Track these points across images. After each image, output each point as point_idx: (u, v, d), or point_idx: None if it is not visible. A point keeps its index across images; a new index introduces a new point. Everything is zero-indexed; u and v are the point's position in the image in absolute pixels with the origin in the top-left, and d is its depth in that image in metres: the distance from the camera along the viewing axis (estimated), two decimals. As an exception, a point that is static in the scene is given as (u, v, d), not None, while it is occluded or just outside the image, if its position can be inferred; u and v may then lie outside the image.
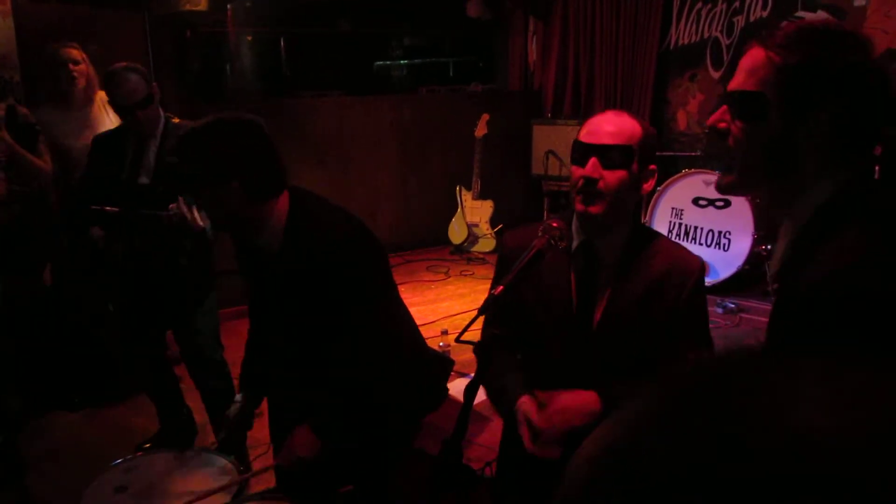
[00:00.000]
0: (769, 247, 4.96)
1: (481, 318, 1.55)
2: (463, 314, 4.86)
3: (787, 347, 0.90)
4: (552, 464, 1.74)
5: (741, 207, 4.94)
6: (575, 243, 1.77)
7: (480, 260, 6.28)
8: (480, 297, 5.23)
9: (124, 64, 2.95)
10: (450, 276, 5.86)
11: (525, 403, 1.69)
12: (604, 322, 1.73)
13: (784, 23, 1.15)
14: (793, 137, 1.10)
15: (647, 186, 1.75)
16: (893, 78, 1.11)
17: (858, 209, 1.06)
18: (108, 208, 2.79)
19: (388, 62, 8.46)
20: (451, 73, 8.37)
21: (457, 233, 6.53)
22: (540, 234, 1.52)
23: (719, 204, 5.05)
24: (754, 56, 1.13)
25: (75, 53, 3.61)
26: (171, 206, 2.69)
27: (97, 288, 3.65)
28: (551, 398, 1.65)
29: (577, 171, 1.69)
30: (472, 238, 6.48)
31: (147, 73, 2.97)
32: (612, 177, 1.65)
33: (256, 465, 2.87)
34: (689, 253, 1.80)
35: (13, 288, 3.35)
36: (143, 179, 2.96)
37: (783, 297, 1.09)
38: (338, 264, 1.83)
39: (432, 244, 6.58)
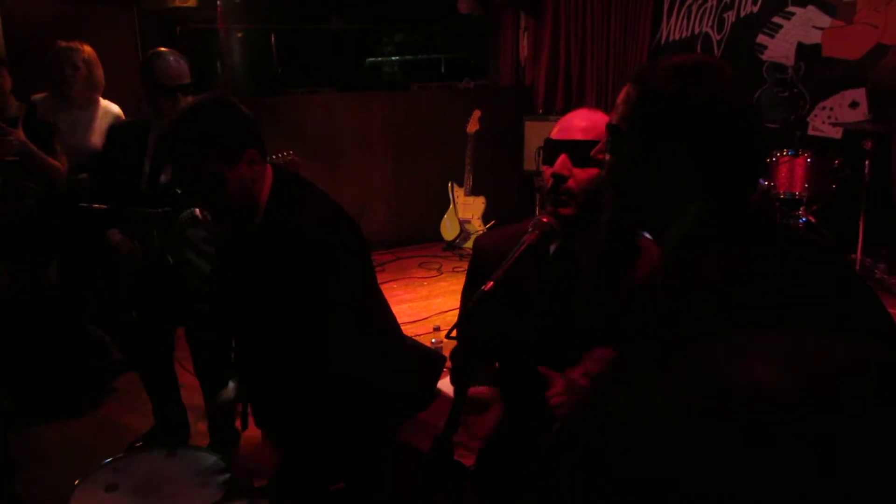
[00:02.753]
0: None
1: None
2: (455, 310, 4.85)
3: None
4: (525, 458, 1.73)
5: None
6: (552, 247, 1.67)
7: (473, 256, 6.26)
8: (473, 294, 5.25)
9: (168, 49, 2.92)
10: (442, 273, 5.85)
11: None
12: (584, 331, 1.63)
13: (655, 61, 1.19)
14: (645, 170, 1.15)
15: None
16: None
17: (706, 243, 1.10)
18: (95, 206, 2.75)
19: (379, 59, 8.44)
20: (442, 70, 8.36)
21: (449, 229, 6.52)
22: (530, 229, 1.48)
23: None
24: (623, 92, 1.18)
25: (75, 54, 3.57)
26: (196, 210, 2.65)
27: (105, 286, 3.63)
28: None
29: (547, 171, 1.60)
30: (465, 234, 6.47)
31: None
32: (583, 175, 1.56)
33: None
34: None
35: (19, 282, 3.35)
36: (164, 178, 2.92)
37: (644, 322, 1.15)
38: (315, 246, 1.81)
39: (424, 241, 6.57)
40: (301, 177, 2.01)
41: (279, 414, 1.87)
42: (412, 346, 2.18)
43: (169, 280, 3.02)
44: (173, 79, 2.81)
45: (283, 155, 3.57)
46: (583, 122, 1.60)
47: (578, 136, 1.58)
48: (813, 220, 4.81)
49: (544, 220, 1.51)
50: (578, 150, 1.56)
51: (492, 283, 1.36)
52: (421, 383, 2.12)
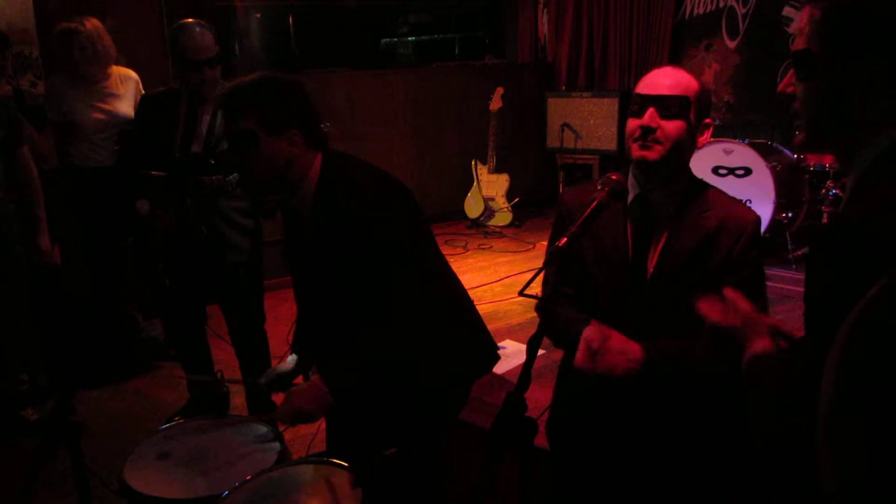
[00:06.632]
0: (790, 214, 4.94)
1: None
2: (484, 286, 4.86)
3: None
4: (611, 427, 1.80)
5: (762, 175, 4.89)
6: (631, 196, 1.80)
7: (497, 234, 6.26)
8: (500, 270, 5.28)
9: (193, 20, 2.90)
10: (468, 250, 5.84)
11: (591, 330, 1.71)
12: (657, 273, 1.76)
13: None
14: (847, 89, 1.09)
15: (703, 139, 1.78)
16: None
17: None
18: (154, 172, 2.77)
19: (394, 39, 8.40)
20: (457, 50, 8.31)
21: (473, 207, 6.51)
22: (599, 187, 1.53)
23: (739, 172, 5.01)
24: (803, 15, 1.13)
25: (81, 27, 3.57)
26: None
27: (143, 259, 3.66)
28: (606, 334, 1.69)
29: (634, 122, 1.73)
30: (489, 212, 6.46)
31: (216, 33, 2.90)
32: (670, 126, 1.70)
33: (287, 436, 2.87)
34: (746, 207, 1.82)
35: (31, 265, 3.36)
36: (196, 148, 2.91)
37: (825, 232, 1.09)
38: (362, 221, 1.81)
39: (448, 219, 6.56)
40: (348, 154, 2.00)
41: (340, 380, 1.87)
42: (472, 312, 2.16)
43: (202, 252, 3.02)
44: (198, 52, 2.80)
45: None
46: (669, 79, 1.73)
47: (666, 92, 1.71)
48: (840, 193, 4.76)
49: (613, 177, 1.58)
50: (666, 104, 1.70)
51: (565, 238, 1.39)
52: (480, 349, 2.10)
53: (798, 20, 1.18)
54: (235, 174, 2.73)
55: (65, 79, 3.64)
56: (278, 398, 2.06)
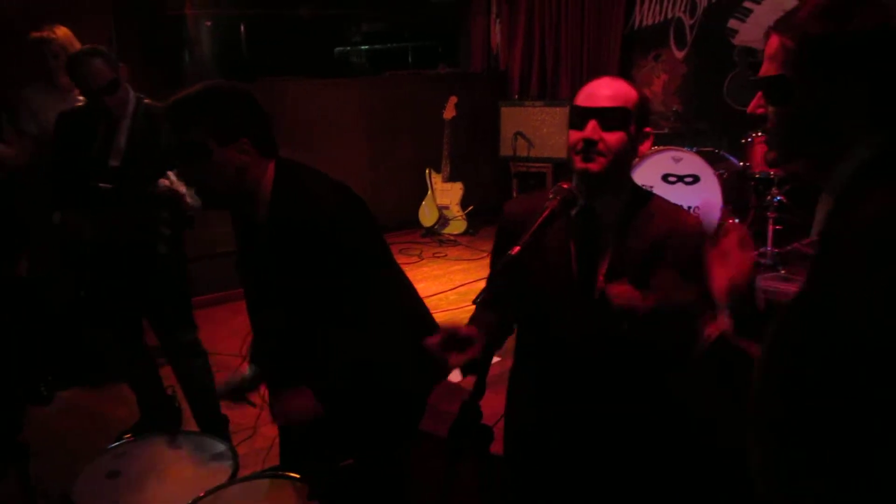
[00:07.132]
0: (737, 220, 5.05)
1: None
2: (439, 294, 4.87)
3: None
4: (560, 438, 1.80)
5: (709, 183, 5.01)
6: (574, 210, 1.78)
7: (452, 242, 6.29)
8: (455, 278, 5.29)
9: (88, 47, 2.88)
10: (423, 259, 5.86)
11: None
12: (608, 282, 1.72)
13: (794, 7, 1.15)
14: (822, 111, 1.11)
15: (643, 148, 1.78)
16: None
17: (883, 177, 1.05)
18: (102, 184, 2.73)
19: (347, 48, 8.40)
20: (410, 59, 8.34)
21: (427, 215, 6.53)
22: (551, 196, 1.53)
23: (688, 180, 5.12)
24: (772, 43, 1.16)
25: (52, 35, 3.51)
26: (161, 181, 2.64)
27: (68, 274, 3.58)
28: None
29: (576, 135, 1.72)
30: (443, 220, 6.48)
31: (111, 56, 2.87)
32: (612, 138, 1.69)
33: (241, 450, 2.84)
34: (689, 213, 1.83)
35: None
36: (113, 162, 2.89)
37: (825, 246, 1.11)
38: (323, 230, 1.80)
39: (403, 227, 6.56)
40: (300, 163, 1.98)
41: (327, 383, 1.85)
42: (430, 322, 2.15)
43: (142, 270, 2.99)
44: (93, 81, 2.80)
45: None
46: (608, 91, 1.71)
47: (606, 104, 1.69)
48: (785, 200, 4.91)
49: (565, 185, 1.58)
50: (607, 116, 1.69)
51: (518, 247, 1.39)
52: (434, 358, 2.10)
53: (767, 46, 1.18)
54: (165, 181, 2.72)
55: (39, 89, 3.57)
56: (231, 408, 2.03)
